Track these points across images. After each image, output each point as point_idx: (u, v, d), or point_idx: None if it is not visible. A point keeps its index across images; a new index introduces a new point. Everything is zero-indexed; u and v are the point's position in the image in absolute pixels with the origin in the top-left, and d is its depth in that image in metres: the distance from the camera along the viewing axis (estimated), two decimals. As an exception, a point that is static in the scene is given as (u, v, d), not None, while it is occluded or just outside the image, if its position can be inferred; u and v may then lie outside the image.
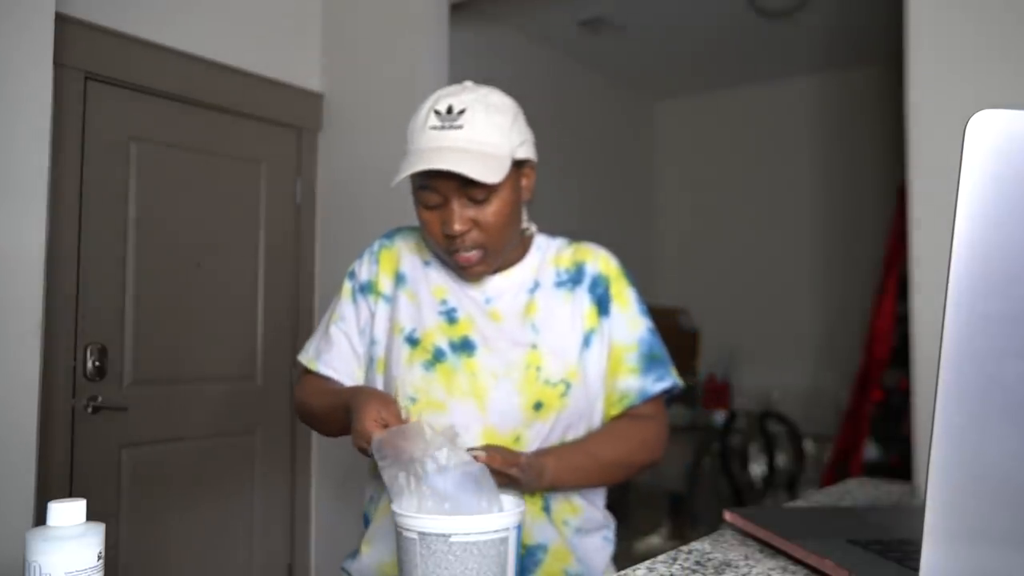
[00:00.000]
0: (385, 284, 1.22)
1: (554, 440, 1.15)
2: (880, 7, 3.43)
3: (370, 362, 1.21)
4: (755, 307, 4.75)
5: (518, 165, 1.14)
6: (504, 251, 1.15)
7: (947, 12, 1.73)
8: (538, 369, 1.14)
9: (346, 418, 1.03)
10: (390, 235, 1.28)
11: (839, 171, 4.56)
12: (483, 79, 1.20)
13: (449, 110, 1.09)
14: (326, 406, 1.16)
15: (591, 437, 1.17)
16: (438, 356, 1.14)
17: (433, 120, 1.09)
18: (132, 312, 2.35)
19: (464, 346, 1.15)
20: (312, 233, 2.88)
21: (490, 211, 1.09)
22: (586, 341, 1.18)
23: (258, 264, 2.72)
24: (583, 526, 1.18)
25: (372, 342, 1.21)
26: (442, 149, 1.06)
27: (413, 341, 1.16)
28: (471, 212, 1.09)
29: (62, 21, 2.05)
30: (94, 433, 2.24)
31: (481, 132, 1.07)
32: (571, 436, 1.17)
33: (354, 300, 1.24)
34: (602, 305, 1.20)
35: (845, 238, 4.51)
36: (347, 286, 1.26)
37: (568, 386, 1.14)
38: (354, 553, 1.20)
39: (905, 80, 1.79)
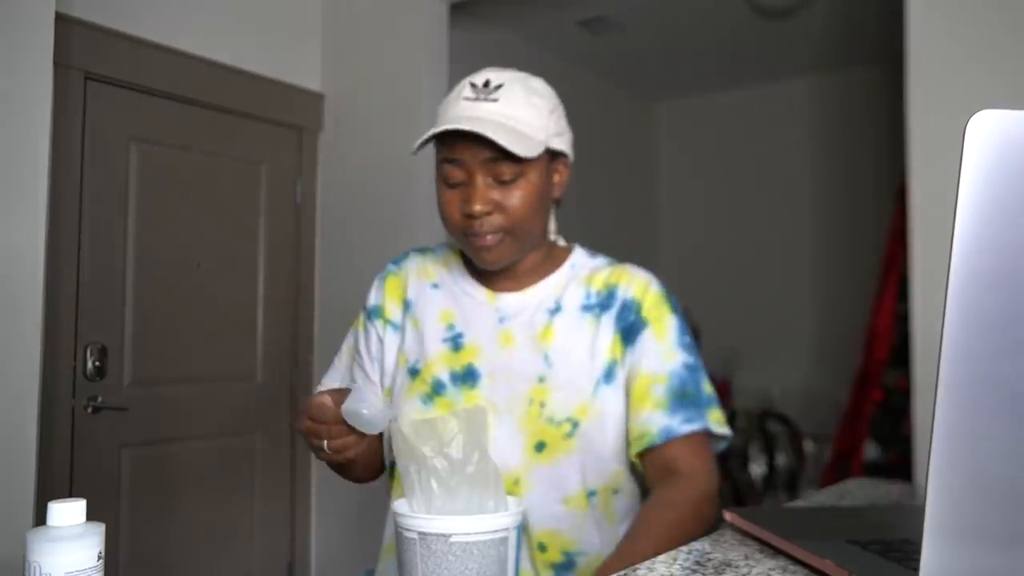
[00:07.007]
0: (393, 311, 1.15)
1: (568, 486, 1.03)
2: (880, 7, 3.42)
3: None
4: (755, 307, 4.75)
5: (552, 157, 1.07)
6: (526, 245, 1.06)
7: (947, 12, 1.73)
8: (542, 406, 1.03)
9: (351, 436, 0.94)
10: (398, 260, 1.20)
11: (839, 171, 4.55)
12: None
13: (486, 84, 1.03)
14: None
15: (626, 540, 0.95)
16: (437, 388, 1.07)
17: (467, 92, 1.03)
18: (132, 312, 2.35)
19: (467, 377, 1.07)
20: (312, 233, 2.88)
21: (516, 194, 1.01)
22: (608, 375, 1.06)
23: (258, 264, 2.72)
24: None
25: (383, 372, 1.15)
26: (472, 119, 0.99)
27: (414, 372, 1.10)
28: (495, 194, 1.01)
29: (62, 21, 2.05)
30: (94, 433, 2.24)
31: (517, 109, 1.01)
32: (595, 483, 1.05)
33: (364, 328, 1.18)
34: (629, 334, 1.08)
35: (845, 238, 4.51)
36: (360, 317, 1.20)
37: (576, 425, 1.03)
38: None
39: (905, 80, 1.79)
